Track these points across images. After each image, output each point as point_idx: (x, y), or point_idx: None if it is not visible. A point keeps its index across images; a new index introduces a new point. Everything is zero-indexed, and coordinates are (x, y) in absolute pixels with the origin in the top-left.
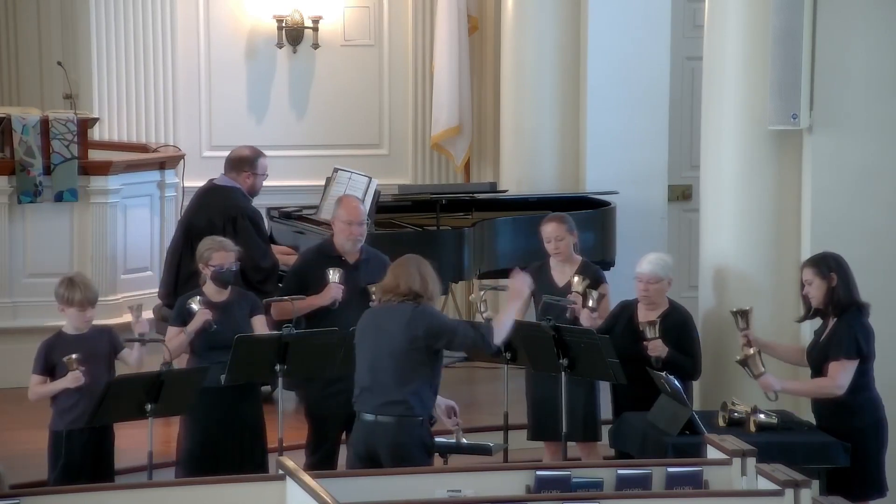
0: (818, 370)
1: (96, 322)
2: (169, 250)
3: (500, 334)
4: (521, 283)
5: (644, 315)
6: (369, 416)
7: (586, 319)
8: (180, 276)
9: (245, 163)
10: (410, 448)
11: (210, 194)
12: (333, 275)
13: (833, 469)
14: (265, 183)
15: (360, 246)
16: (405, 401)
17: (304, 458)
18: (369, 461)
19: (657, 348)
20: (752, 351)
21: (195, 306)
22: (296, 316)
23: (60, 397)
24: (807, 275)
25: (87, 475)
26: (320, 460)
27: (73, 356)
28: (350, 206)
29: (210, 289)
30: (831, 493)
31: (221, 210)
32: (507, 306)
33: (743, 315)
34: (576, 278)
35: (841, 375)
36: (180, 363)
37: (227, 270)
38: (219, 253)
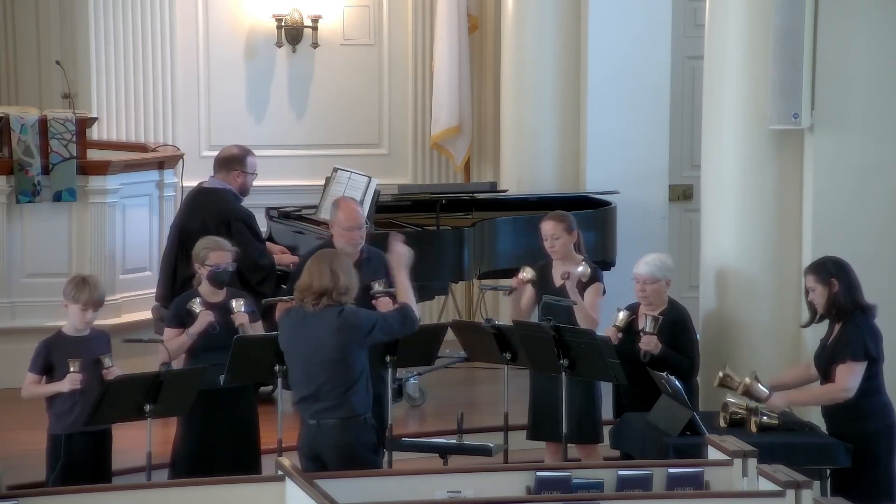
0: (826, 375)
1: (95, 323)
2: (163, 255)
3: (412, 302)
4: (397, 247)
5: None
6: (312, 421)
7: (647, 344)
8: (177, 279)
9: (235, 161)
10: (355, 448)
11: (201, 196)
12: None
13: (838, 470)
14: (265, 183)
15: (360, 247)
16: (345, 403)
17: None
18: (315, 463)
19: (649, 343)
20: (748, 380)
21: (197, 308)
22: None
23: (57, 401)
24: (809, 282)
25: (86, 478)
26: None
27: (79, 359)
28: (349, 211)
29: (206, 289)
30: (835, 494)
31: (213, 214)
32: (396, 275)
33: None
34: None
35: (848, 378)
36: (177, 363)
37: (224, 270)
38: (216, 253)
